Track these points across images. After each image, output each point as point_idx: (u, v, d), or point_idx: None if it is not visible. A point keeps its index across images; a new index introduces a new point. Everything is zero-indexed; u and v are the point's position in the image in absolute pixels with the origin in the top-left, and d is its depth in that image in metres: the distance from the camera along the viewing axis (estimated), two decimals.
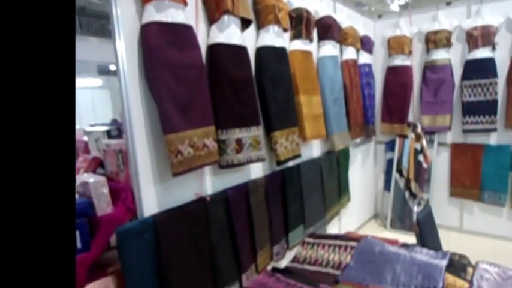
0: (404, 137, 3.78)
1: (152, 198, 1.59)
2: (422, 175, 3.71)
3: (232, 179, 2.03)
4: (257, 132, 1.96)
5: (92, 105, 7.23)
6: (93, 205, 1.43)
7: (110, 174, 1.67)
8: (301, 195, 2.54)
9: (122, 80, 1.48)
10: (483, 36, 3.29)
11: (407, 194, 3.78)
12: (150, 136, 1.59)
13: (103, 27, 5.83)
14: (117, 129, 1.73)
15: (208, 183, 1.90)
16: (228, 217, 1.92)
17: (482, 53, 3.33)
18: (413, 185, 3.71)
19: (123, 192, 1.50)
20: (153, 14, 1.50)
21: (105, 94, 7.97)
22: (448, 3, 3.57)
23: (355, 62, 3.31)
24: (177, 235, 1.60)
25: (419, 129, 3.72)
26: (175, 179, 1.60)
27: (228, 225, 1.92)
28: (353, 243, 1.77)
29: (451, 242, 3.44)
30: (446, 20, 3.51)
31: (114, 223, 1.41)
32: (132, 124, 1.51)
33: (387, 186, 4.02)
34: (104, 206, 1.46)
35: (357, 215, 3.83)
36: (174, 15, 1.55)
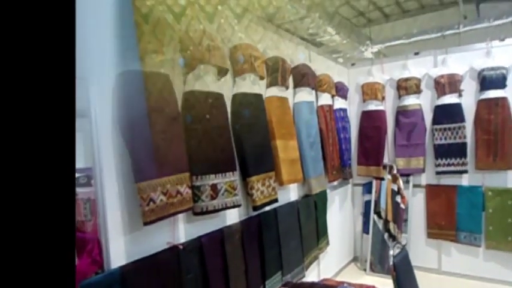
0: (381, 179, 3.84)
1: (121, 248, 1.53)
2: (400, 216, 3.74)
3: (207, 225, 1.98)
4: (232, 177, 1.96)
5: None
6: None
7: (76, 224, 1.61)
8: (278, 240, 2.50)
9: (93, 124, 1.47)
10: (450, 83, 3.49)
11: (386, 235, 3.78)
12: (121, 182, 1.54)
13: None
14: (86, 177, 1.69)
15: (182, 231, 1.85)
16: (202, 266, 1.85)
17: (450, 99, 3.52)
18: (391, 226, 3.72)
19: (89, 243, 1.44)
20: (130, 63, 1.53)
21: (77, 137, 7.84)
22: (416, 53, 3.80)
23: (330, 107, 3.41)
24: (146, 287, 1.53)
25: (395, 171, 3.80)
26: (146, 227, 1.55)
27: (202, 275, 1.85)
28: None
29: (430, 284, 3.41)
30: (415, 68, 3.73)
31: (78, 277, 1.34)
32: (102, 170, 1.48)
33: (366, 228, 4.01)
34: None
35: (336, 258, 3.77)
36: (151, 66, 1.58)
